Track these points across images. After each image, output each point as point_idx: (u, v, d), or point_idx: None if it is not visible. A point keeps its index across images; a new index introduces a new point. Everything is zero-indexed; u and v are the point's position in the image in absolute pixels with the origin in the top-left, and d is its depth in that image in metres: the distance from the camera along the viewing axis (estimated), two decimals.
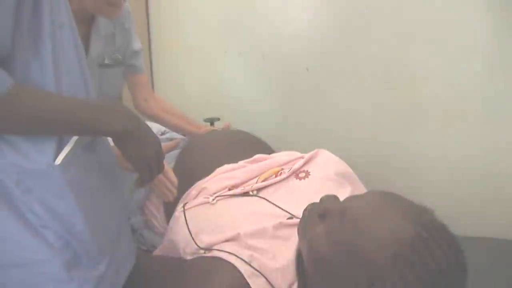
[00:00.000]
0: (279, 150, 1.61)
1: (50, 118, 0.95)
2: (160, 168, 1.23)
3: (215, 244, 1.19)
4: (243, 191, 1.33)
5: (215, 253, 1.16)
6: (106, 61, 1.82)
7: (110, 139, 1.10)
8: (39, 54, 0.95)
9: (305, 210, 1.09)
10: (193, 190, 1.41)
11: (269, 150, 1.63)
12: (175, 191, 1.50)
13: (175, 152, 1.71)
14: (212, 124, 2.13)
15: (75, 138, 1.00)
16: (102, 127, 1.02)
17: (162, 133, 2.03)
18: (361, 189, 1.39)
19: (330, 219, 1.00)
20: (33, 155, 0.95)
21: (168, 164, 1.64)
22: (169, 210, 1.48)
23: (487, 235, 1.48)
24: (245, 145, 1.62)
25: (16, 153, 0.94)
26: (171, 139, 1.92)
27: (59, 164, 0.95)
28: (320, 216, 1.02)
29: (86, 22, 1.70)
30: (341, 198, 1.23)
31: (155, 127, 2.08)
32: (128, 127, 1.06)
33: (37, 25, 0.95)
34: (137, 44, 1.96)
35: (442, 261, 0.88)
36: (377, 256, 0.90)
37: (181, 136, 1.92)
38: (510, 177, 1.51)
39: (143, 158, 1.15)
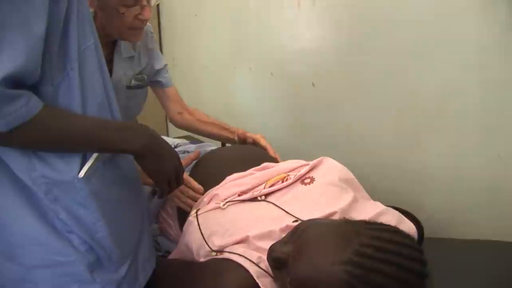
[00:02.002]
0: (287, 160, 1.67)
1: (75, 137, 1.03)
2: (179, 181, 1.31)
3: (226, 246, 1.26)
4: (252, 196, 1.39)
5: (226, 255, 1.23)
6: (133, 83, 1.88)
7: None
8: (68, 77, 1.03)
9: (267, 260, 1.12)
10: (205, 197, 1.48)
11: (275, 161, 1.69)
12: (199, 197, 1.55)
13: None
14: None
15: (96, 153, 1.08)
16: (123, 146, 1.10)
17: (175, 146, 2.10)
18: (364, 194, 1.45)
19: (283, 270, 1.05)
20: (60, 167, 1.03)
21: None
22: (182, 218, 1.55)
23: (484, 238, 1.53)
24: (253, 156, 1.69)
25: (46, 166, 1.02)
26: (183, 152, 1.99)
27: (82, 177, 1.04)
28: (276, 268, 1.08)
29: (108, 46, 1.75)
30: (345, 203, 1.30)
31: (168, 141, 2.15)
32: (148, 145, 1.13)
33: (66, 50, 1.02)
34: (160, 63, 2.01)
35: (388, 282, 0.91)
36: None
37: (194, 150, 1.98)
38: (506, 185, 1.55)
39: (162, 174, 1.23)
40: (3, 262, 1.07)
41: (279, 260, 1.05)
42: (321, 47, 2.01)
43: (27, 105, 0.92)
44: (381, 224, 1.05)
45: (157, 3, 1.68)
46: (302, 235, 1.04)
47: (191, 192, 1.56)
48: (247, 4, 2.40)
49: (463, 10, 1.57)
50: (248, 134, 1.94)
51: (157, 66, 2.00)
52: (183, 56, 2.95)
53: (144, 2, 1.60)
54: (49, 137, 1.00)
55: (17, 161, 1.01)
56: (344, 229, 1.01)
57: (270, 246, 1.09)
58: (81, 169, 1.05)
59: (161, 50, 3.17)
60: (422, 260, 0.97)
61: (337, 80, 1.98)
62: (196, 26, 2.80)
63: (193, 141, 2.16)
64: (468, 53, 1.57)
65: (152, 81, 2.02)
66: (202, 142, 2.15)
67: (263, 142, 1.86)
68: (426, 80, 1.69)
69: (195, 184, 1.57)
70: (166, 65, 2.06)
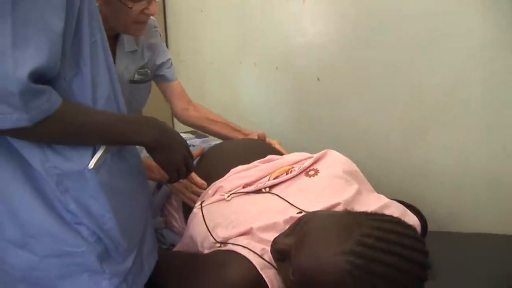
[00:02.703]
0: None
1: (92, 131, 1.06)
2: (190, 170, 1.35)
3: (230, 238, 1.27)
4: (256, 188, 1.40)
5: (230, 247, 1.24)
6: (136, 77, 1.89)
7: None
8: (80, 71, 1.06)
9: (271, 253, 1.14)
10: (210, 189, 1.49)
11: (280, 154, 1.70)
12: (202, 192, 1.56)
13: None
14: None
15: (104, 145, 1.10)
16: (136, 138, 1.14)
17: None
18: (368, 187, 1.45)
19: (286, 261, 1.06)
20: (72, 158, 1.05)
21: None
22: (187, 211, 1.56)
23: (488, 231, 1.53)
24: (258, 149, 1.69)
25: (58, 156, 1.04)
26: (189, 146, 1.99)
27: (92, 168, 1.06)
28: (279, 259, 1.10)
29: (110, 40, 1.71)
30: (348, 195, 1.31)
31: None
32: (159, 137, 1.18)
33: (79, 46, 1.05)
34: (163, 57, 2.00)
35: (389, 272, 0.92)
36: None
37: (204, 145, 1.97)
38: (510, 179, 1.56)
39: (172, 163, 1.28)
40: (15, 250, 1.09)
41: (282, 251, 1.07)
42: (326, 41, 2.02)
43: (50, 100, 0.94)
44: (383, 215, 1.06)
45: None
46: (304, 226, 1.06)
47: (194, 188, 1.57)
48: None
49: (467, 4, 1.58)
50: (267, 140, 1.93)
51: (161, 60, 2.00)
52: (189, 51, 2.95)
53: None
54: (67, 131, 1.02)
55: (31, 152, 1.03)
56: (346, 220, 1.02)
57: (273, 239, 1.11)
58: (90, 159, 1.06)
59: (166, 45, 3.16)
60: (424, 250, 0.98)
61: (341, 74, 1.98)
62: (201, 21, 2.80)
63: (198, 135, 2.16)
64: (472, 47, 1.58)
65: (155, 75, 2.02)
66: (207, 136, 2.15)
67: (278, 147, 1.86)
68: (431, 74, 1.70)
69: (198, 179, 1.58)
70: (169, 59, 2.05)
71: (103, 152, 1.09)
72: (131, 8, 1.58)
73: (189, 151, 1.33)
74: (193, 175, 1.58)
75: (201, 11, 2.78)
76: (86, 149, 1.07)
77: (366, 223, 0.99)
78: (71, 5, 1.00)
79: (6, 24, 0.87)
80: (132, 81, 1.87)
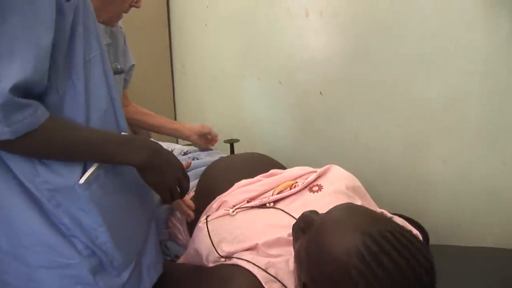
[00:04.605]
0: None
1: (78, 149, 1.06)
2: (184, 191, 1.32)
3: (235, 253, 1.28)
4: (260, 203, 1.41)
5: (234, 261, 1.25)
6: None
7: None
8: (73, 86, 1.07)
9: (294, 224, 1.16)
10: (214, 204, 1.51)
11: (282, 168, 1.71)
12: (191, 214, 1.59)
13: (199, 170, 1.82)
14: (232, 145, 2.21)
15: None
16: (124, 159, 1.13)
17: (185, 153, 2.12)
18: (370, 202, 1.47)
19: (307, 233, 1.08)
20: (63, 173, 1.06)
21: (191, 181, 1.74)
22: (191, 223, 1.58)
23: (488, 245, 1.55)
24: (261, 163, 1.71)
25: (49, 172, 1.06)
26: (193, 158, 2.02)
27: (82, 183, 1.06)
28: (302, 229, 1.11)
29: None
30: None
31: (178, 148, 2.19)
32: (148, 159, 1.15)
33: (71, 60, 1.06)
34: (130, 61, 2.08)
35: (393, 271, 0.92)
36: (333, 268, 0.96)
37: (208, 158, 2.00)
38: (510, 192, 1.57)
39: (163, 185, 1.25)
40: (11, 261, 1.10)
41: (307, 221, 1.09)
42: (329, 56, 2.04)
43: (34, 114, 0.95)
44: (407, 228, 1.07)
45: None
46: (334, 208, 1.08)
47: (184, 207, 1.60)
48: (256, 13, 2.42)
49: (468, 20, 1.60)
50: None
51: (130, 63, 2.08)
52: (193, 64, 2.98)
53: None
54: (52, 146, 1.02)
55: (21, 167, 1.04)
56: (377, 213, 1.05)
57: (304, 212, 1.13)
58: (82, 175, 1.07)
59: (170, 57, 3.20)
60: (429, 272, 0.98)
61: (344, 89, 2.00)
62: (205, 35, 2.83)
63: (203, 149, 2.19)
64: (472, 62, 1.60)
65: (125, 75, 2.09)
66: (210, 149, 2.17)
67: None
68: (432, 88, 1.72)
69: (189, 201, 1.61)
70: (133, 65, 2.12)
71: (95, 168, 1.10)
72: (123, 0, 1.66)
73: (183, 172, 1.30)
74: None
75: (205, 25, 2.80)
76: (76, 164, 1.08)
77: (393, 223, 1.01)
78: (62, 20, 1.01)
79: None
80: None
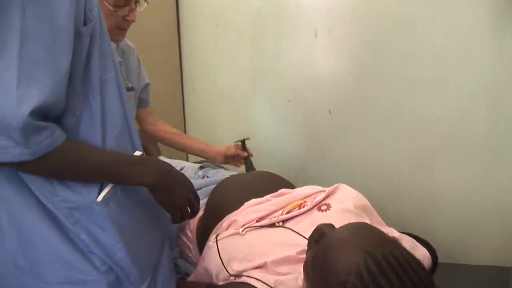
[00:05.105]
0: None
1: (92, 170, 1.10)
2: (195, 210, 1.36)
3: (244, 271, 1.29)
4: (270, 222, 1.42)
5: (244, 279, 1.27)
6: None
7: None
8: (90, 107, 1.11)
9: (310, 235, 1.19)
10: (224, 222, 1.52)
11: (291, 187, 1.72)
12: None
13: (208, 188, 1.84)
14: (243, 143, 2.21)
15: None
16: (137, 180, 1.16)
17: (201, 168, 2.16)
18: (378, 220, 1.48)
19: (318, 245, 1.11)
20: (80, 191, 1.10)
21: (200, 199, 1.77)
22: (201, 241, 1.59)
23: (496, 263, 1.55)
24: (270, 182, 1.72)
25: (67, 190, 1.09)
26: (203, 177, 2.04)
27: (100, 201, 1.10)
28: (315, 240, 1.13)
29: None
30: None
31: (188, 165, 2.22)
32: (159, 179, 1.19)
33: (88, 82, 1.10)
34: (145, 79, 2.19)
35: None
36: (333, 281, 0.99)
37: (217, 177, 2.02)
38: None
39: (173, 205, 1.28)
40: (28, 279, 1.12)
41: (321, 232, 1.12)
42: (337, 75, 2.06)
43: (52, 136, 0.98)
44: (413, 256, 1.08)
45: (142, 8, 1.84)
46: (349, 224, 1.12)
47: None
48: (266, 33, 2.45)
49: (474, 39, 1.62)
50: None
51: (144, 82, 2.18)
52: (203, 82, 3.00)
53: (132, 5, 1.77)
54: (68, 167, 1.06)
55: (40, 186, 1.08)
56: (387, 236, 1.07)
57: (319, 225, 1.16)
58: (99, 193, 1.11)
59: (181, 75, 3.23)
60: None
61: (353, 107, 2.02)
62: (215, 53, 2.86)
63: (213, 165, 2.21)
64: (479, 81, 1.62)
65: (138, 94, 2.17)
66: (221, 167, 2.20)
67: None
68: (439, 107, 1.73)
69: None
70: (148, 84, 2.21)
71: (112, 186, 1.13)
72: (116, 11, 1.73)
73: (194, 193, 1.34)
74: None
75: (216, 43, 2.84)
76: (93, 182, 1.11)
77: (399, 248, 1.02)
78: (80, 43, 1.05)
79: (13, 62, 0.92)
80: None
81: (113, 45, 2.01)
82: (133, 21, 1.81)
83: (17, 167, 1.00)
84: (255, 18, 2.51)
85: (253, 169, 2.13)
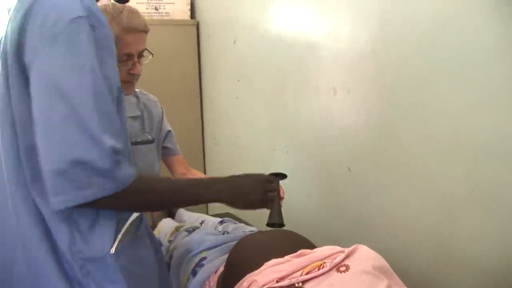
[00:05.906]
0: (322, 244, 1.73)
1: (174, 191, 1.26)
2: (276, 195, 1.60)
3: None
4: (289, 283, 1.43)
5: None
6: (138, 139, 2.09)
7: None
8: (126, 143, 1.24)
9: None
10: (244, 282, 1.53)
11: (311, 246, 1.74)
12: None
13: (229, 245, 1.87)
14: (278, 176, 1.80)
15: (122, 231, 1.23)
16: (214, 198, 1.38)
17: (221, 222, 2.20)
18: (397, 281, 1.48)
19: None
20: (97, 243, 1.17)
21: (221, 256, 1.80)
22: None
23: None
24: (290, 242, 1.75)
25: (83, 241, 1.16)
26: (223, 232, 2.07)
27: (113, 253, 1.17)
28: None
29: None
30: None
31: (208, 219, 2.26)
32: (233, 194, 1.41)
33: (122, 119, 1.24)
34: (166, 127, 2.27)
35: None
36: None
37: (238, 233, 2.05)
38: None
39: (253, 207, 1.50)
40: None
41: None
42: (356, 133, 2.10)
43: (130, 167, 1.12)
44: None
45: (147, 61, 1.91)
46: None
47: None
48: (286, 89, 2.52)
49: (494, 96, 1.61)
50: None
51: (166, 129, 2.26)
52: (224, 136, 3.06)
53: (135, 59, 1.83)
54: (151, 193, 1.20)
55: (63, 235, 1.14)
56: None
57: None
58: (111, 247, 1.18)
59: (202, 129, 3.31)
60: None
61: (371, 165, 2.05)
62: (236, 108, 2.93)
63: (233, 220, 2.24)
64: (496, 141, 1.62)
65: (161, 144, 2.24)
66: (240, 222, 2.22)
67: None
68: (456, 165, 1.74)
69: None
70: (171, 131, 2.29)
71: (121, 238, 1.21)
72: (119, 66, 1.77)
73: (265, 185, 1.54)
74: None
75: (237, 98, 2.91)
76: (108, 236, 1.19)
77: None
78: (120, 108, 1.23)
79: (94, 115, 1.05)
80: (134, 143, 2.02)
81: (133, 100, 2.10)
82: (138, 74, 1.88)
83: (105, 203, 1.10)
84: (276, 74, 2.58)
85: (280, 218, 1.66)
